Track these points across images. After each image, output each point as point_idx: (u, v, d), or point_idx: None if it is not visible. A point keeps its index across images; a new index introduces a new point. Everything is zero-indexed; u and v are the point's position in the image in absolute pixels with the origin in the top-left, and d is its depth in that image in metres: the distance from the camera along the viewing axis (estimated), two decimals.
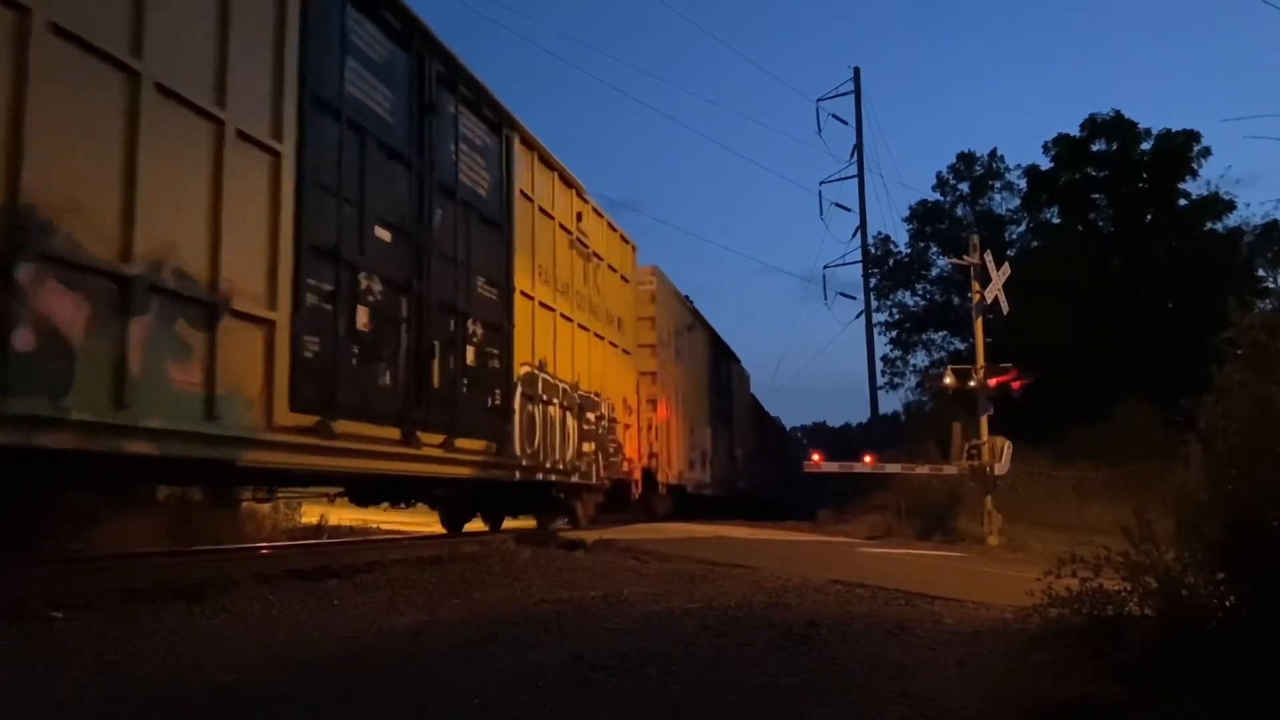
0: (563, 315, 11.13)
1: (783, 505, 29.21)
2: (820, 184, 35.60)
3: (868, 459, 17.61)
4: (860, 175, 31.45)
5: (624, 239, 14.37)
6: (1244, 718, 2.87)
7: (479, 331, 8.73)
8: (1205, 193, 27.83)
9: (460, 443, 8.17)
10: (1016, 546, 12.05)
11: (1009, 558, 10.70)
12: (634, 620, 4.75)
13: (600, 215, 13.03)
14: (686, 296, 20.37)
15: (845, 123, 32.07)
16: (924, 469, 15.81)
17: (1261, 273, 27.85)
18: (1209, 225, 27.89)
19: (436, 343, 7.84)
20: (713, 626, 4.52)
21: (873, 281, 33.12)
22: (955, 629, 4.65)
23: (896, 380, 35.59)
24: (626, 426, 13.99)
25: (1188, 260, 25.97)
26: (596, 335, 12.55)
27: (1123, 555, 3.47)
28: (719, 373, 23.90)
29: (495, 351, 9.09)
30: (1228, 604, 3.22)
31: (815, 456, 17.80)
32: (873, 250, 33.55)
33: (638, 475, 14.65)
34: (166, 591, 4.74)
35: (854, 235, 32.44)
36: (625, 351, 14.11)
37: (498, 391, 9.13)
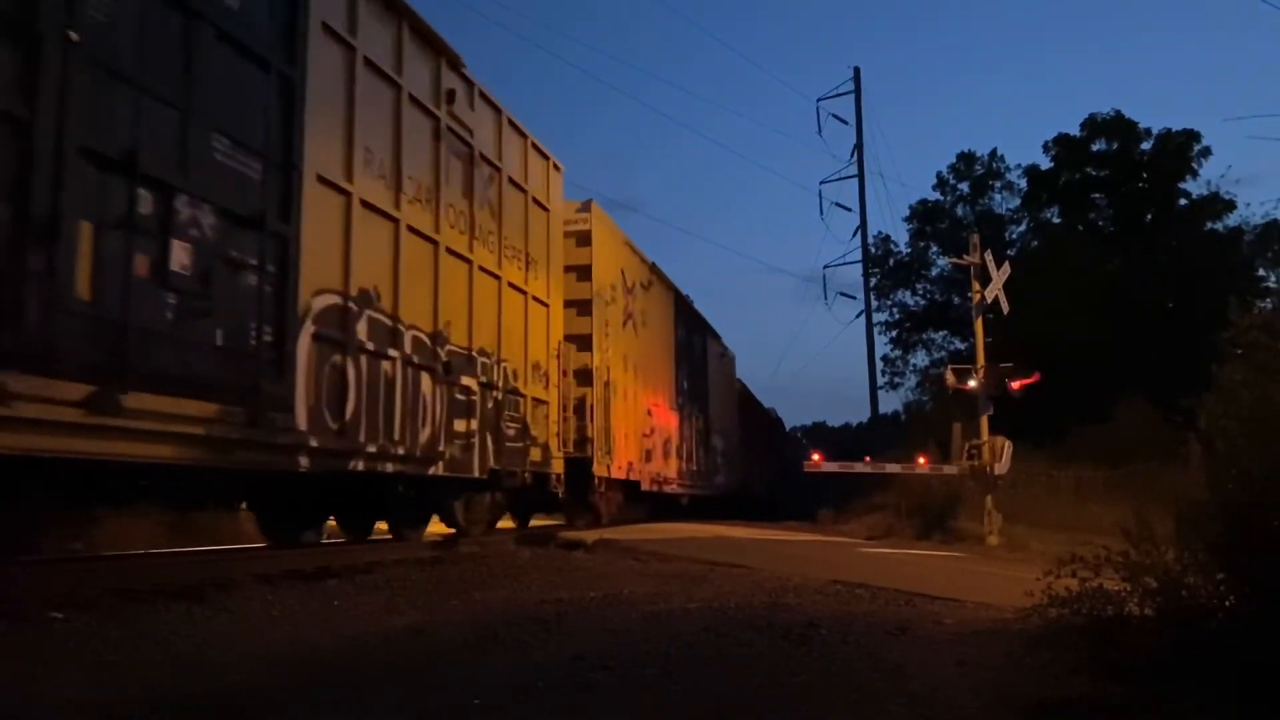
0: (415, 230, 7.90)
1: (780, 504, 28.99)
2: (820, 184, 35.70)
3: (867, 459, 17.66)
4: (860, 175, 31.48)
5: (540, 151, 10.73)
6: (1244, 718, 2.87)
7: (208, 221, 5.53)
8: (1205, 193, 27.98)
9: (142, 401, 4.89)
10: (1016, 546, 12.08)
11: (1009, 558, 10.72)
12: (634, 621, 4.76)
13: (498, 109, 9.67)
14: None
15: (845, 122, 32.10)
16: (924, 467, 15.86)
17: (1261, 272, 27.98)
18: (1209, 225, 27.99)
19: (84, 222, 4.68)
20: (713, 627, 4.52)
21: (873, 281, 33.22)
22: (955, 629, 4.65)
23: (896, 380, 35.79)
24: (539, 402, 10.61)
25: (1188, 260, 26.03)
26: (485, 271, 9.23)
27: (1123, 555, 3.47)
28: (690, 347, 20.47)
29: (252, 261, 5.92)
30: (1228, 604, 3.22)
31: (815, 456, 17.82)
32: (873, 250, 33.67)
33: (558, 467, 11.22)
34: (167, 591, 4.75)
35: (854, 235, 32.54)
36: (540, 302, 10.69)
37: (256, 327, 5.93)
